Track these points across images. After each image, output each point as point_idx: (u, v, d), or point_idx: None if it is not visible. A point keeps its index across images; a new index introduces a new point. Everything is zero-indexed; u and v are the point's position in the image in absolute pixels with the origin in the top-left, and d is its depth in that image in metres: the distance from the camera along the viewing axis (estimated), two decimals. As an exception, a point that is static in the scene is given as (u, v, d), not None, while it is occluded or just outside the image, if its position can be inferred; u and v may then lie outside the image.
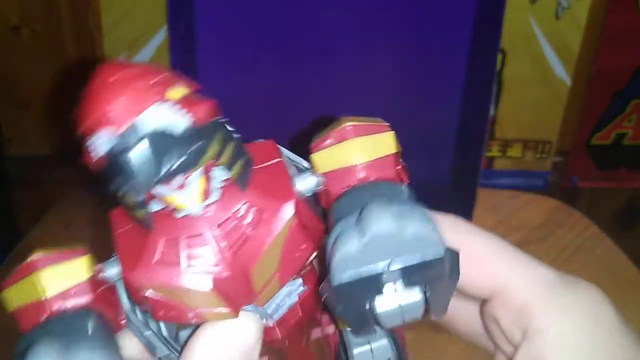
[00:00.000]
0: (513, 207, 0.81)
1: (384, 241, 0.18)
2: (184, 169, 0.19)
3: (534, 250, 0.69)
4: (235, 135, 0.21)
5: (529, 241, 0.73)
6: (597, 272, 0.68)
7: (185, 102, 0.19)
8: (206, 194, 0.20)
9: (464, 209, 0.71)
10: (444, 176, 0.77)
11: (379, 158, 0.22)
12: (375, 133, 0.22)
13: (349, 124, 0.23)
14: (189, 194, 0.20)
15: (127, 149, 0.19)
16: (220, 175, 0.21)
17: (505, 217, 0.78)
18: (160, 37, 0.79)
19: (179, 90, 0.20)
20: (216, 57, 0.72)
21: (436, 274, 0.18)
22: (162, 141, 0.19)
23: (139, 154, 0.18)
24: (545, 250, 0.72)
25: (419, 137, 0.75)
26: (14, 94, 0.85)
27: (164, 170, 0.19)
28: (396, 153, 0.23)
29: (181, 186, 0.20)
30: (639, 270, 0.69)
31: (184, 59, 0.72)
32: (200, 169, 0.20)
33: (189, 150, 0.19)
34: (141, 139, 0.18)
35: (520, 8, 0.79)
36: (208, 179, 0.20)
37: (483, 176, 0.69)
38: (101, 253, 0.76)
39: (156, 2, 0.77)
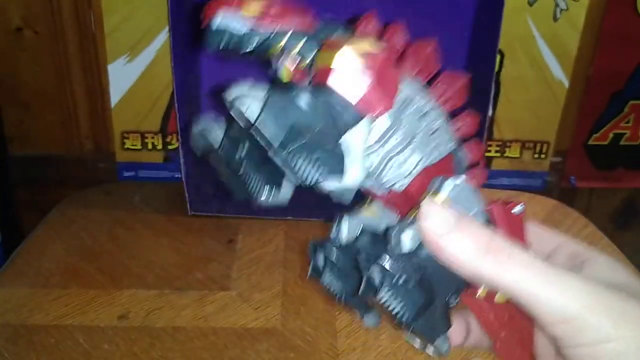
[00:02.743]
0: (511, 207, 0.82)
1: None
2: (260, 52, 0.30)
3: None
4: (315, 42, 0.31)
5: (527, 241, 0.73)
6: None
7: (251, 16, 0.30)
8: (294, 75, 0.31)
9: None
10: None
11: (320, 68, 0.30)
12: (330, 49, 0.30)
13: (331, 39, 0.31)
14: (281, 73, 0.31)
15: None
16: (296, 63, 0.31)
17: (503, 217, 0.78)
18: (162, 38, 0.80)
19: (251, 9, 0.30)
20: (217, 57, 0.73)
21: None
22: (228, 33, 0.30)
23: (210, 37, 0.30)
24: (543, 249, 0.72)
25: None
26: (16, 95, 0.85)
27: (244, 49, 0.30)
28: (330, 68, 0.29)
29: (277, 69, 0.31)
30: (637, 269, 0.69)
31: (185, 61, 0.73)
32: (284, 56, 0.31)
33: (256, 42, 0.30)
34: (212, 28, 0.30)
35: (518, 9, 0.79)
36: (288, 63, 0.31)
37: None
38: (102, 251, 0.77)
39: (157, 5, 0.77)
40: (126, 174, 0.89)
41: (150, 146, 0.87)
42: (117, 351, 0.56)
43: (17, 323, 0.59)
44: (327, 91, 0.29)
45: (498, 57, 0.82)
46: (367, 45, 0.30)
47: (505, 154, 0.89)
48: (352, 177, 0.29)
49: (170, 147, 0.87)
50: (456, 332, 0.34)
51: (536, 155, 0.89)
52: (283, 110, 0.28)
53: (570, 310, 0.26)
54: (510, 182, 0.90)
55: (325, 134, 0.29)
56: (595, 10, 0.81)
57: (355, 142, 0.29)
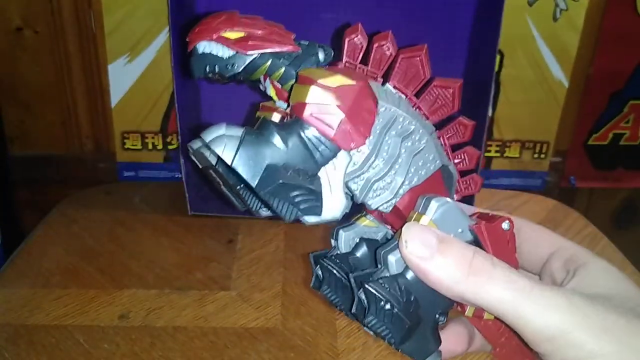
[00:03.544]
0: (511, 206, 0.82)
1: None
2: (246, 75, 0.31)
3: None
4: (296, 66, 0.31)
5: (526, 240, 0.73)
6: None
7: (233, 41, 0.30)
8: (280, 95, 0.31)
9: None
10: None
11: (295, 103, 0.29)
12: (305, 83, 0.29)
13: (302, 72, 0.31)
14: (269, 92, 0.32)
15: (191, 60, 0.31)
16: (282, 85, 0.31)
17: (503, 217, 0.78)
18: (162, 39, 0.80)
19: (233, 34, 0.30)
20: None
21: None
22: (211, 59, 0.30)
23: (194, 64, 0.31)
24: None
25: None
26: (17, 95, 0.85)
27: (228, 74, 0.30)
28: (304, 102, 0.29)
29: (265, 88, 0.32)
30: (636, 269, 0.70)
31: (185, 61, 0.73)
32: (268, 78, 0.31)
33: (241, 66, 0.30)
34: (196, 55, 0.30)
35: (518, 9, 0.79)
36: (274, 85, 0.31)
37: (481, 176, 0.70)
38: (103, 251, 0.77)
39: (157, 5, 0.78)
40: (126, 174, 0.89)
41: (150, 146, 0.87)
42: (117, 351, 0.56)
43: (17, 323, 0.59)
44: (303, 126, 0.29)
45: (498, 57, 0.82)
46: (341, 77, 0.29)
47: (505, 154, 0.89)
48: (331, 212, 0.29)
49: (170, 147, 0.87)
50: (459, 340, 0.34)
51: (536, 155, 0.89)
52: (258, 150, 0.28)
53: (553, 329, 0.26)
54: (510, 182, 0.90)
55: (303, 170, 0.28)
56: (595, 10, 0.81)
57: (334, 175, 0.29)
